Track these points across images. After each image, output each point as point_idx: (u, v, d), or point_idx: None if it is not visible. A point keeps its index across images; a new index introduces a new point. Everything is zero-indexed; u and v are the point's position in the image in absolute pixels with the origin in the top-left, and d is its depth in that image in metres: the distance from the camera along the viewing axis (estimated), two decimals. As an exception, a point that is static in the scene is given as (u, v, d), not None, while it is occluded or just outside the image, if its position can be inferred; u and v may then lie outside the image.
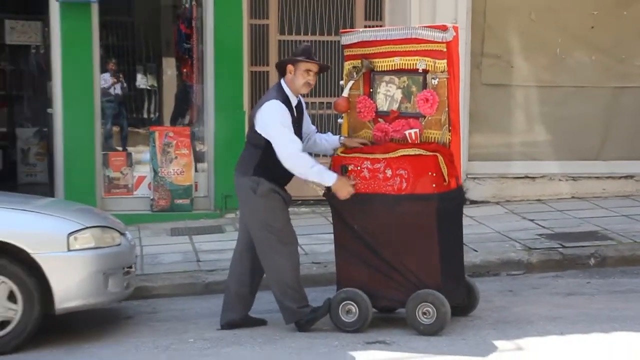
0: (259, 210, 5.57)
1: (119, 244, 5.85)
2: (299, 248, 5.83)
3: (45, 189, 10.25)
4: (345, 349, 5.25)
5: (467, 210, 7.26)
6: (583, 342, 5.26)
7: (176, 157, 9.06)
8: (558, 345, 5.20)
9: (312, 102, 9.12)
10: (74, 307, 5.62)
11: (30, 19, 11.52)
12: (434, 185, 5.39)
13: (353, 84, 5.76)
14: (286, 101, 5.56)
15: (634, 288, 6.59)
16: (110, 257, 5.73)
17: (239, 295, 5.77)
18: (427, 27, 5.64)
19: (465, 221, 6.12)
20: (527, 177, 9.43)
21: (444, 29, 5.53)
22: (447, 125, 5.54)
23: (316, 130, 5.94)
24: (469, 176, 9.19)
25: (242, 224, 5.80)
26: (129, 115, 11.62)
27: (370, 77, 5.76)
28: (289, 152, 5.48)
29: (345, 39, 5.82)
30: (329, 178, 5.50)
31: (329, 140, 5.84)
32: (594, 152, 9.64)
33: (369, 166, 5.52)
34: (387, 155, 5.49)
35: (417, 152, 5.45)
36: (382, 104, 5.75)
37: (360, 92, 5.79)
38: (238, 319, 5.77)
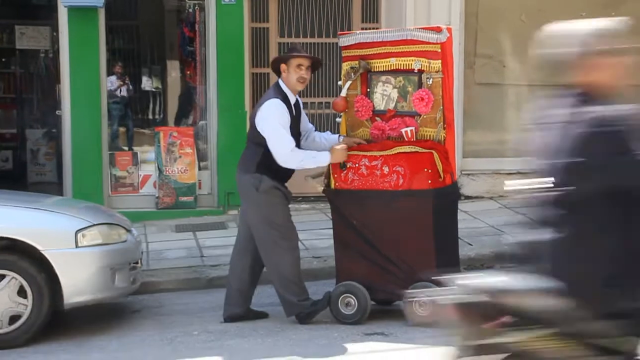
0: (261, 206, 5.62)
1: (125, 241, 5.91)
2: (299, 243, 5.88)
3: (54, 188, 10.34)
4: (344, 341, 5.31)
5: (462, 206, 7.27)
6: (574, 332, 5.37)
7: (180, 156, 9.13)
8: (550, 335, 5.31)
9: (311, 102, 9.20)
10: (83, 301, 5.69)
11: (39, 25, 11.60)
12: (429, 182, 5.47)
13: (351, 84, 5.82)
14: (285, 99, 5.63)
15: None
16: (117, 253, 5.80)
17: (240, 290, 5.83)
18: (421, 28, 5.71)
19: (460, 216, 6.13)
20: (519, 173, 9.49)
21: (438, 30, 5.60)
22: (442, 123, 5.60)
23: (314, 129, 6.00)
24: (463, 172, 9.24)
25: (243, 221, 5.85)
26: (135, 116, 11.67)
27: (367, 77, 5.82)
28: (283, 150, 5.53)
29: (343, 41, 5.89)
30: (323, 157, 5.59)
31: (329, 139, 5.88)
32: (585, 148, 9.74)
33: (367, 163, 5.59)
34: (384, 153, 5.56)
35: (413, 150, 5.52)
36: (379, 103, 5.82)
37: (357, 91, 5.85)
38: (240, 312, 5.84)
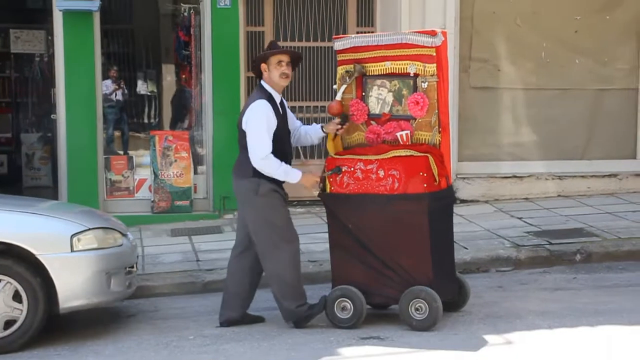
0: (261, 210, 5.62)
1: (121, 245, 5.90)
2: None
3: (49, 192, 10.36)
4: (340, 345, 5.30)
5: (457, 209, 7.31)
6: (570, 335, 5.33)
7: (176, 160, 9.15)
8: (546, 339, 5.26)
9: (306, 106, 9.22)
10: (78, 306, 5.66)
11: (34, 29, 11.62)
12: (425, 185, 5.46)
13: (346, 87, 5.83)
14: (270, 99, 5.63)
15: (618, 283, 6.66)
16: (113, 258, 5.78)
17: (238, 295, 5.83)
18: (416, 32, 5.70)
19: (456, 219, 6.16)
20: (514, 176, 9.49)
21: (433, 34, 5.60)
22: (437, 127, 5.61)
23: (301, 125, 6.01)
24: (458, 176, 9.26)
25: (241, 226, 5.83)
26: (130, 120, 11.69)
27: (362, 81, 5.83)
28: (259, 154, 5.54)
29: (338, 45, 5.89)
30: (294, 176, 5.60)
31: (311, 132, 5.91)
32: (579, 152, 9.74)
33: (362, 167, 5.58)
34: (379, 157, 5.56)
35: (409, 153, 5.52)
36: (374, 107, 5.82)
37: (353, 95, 5.85)
38: (236, 316, 5.83)
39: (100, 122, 9.18)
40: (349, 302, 5.63)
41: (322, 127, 5.93)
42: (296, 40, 9.42)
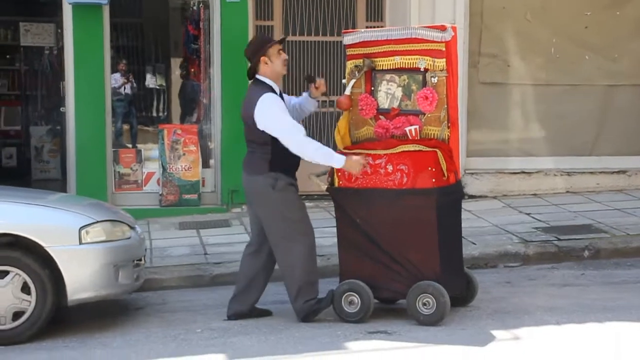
0: (278, 205, 5.59)
1: (129, 238, 5.92)
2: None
3: (58, 184, 10.41)
4: (347, 339, 5.31)
5: (466, 205, 7.29)
6: (578, 331, 5.32)
7: (184, 154, 9.17)
8: (554, 334, 5.26)
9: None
10: (86, 298, 5.69)
11: (44, 22, 11.66)
12: (433, 180, 5.46)
13: (355, 82, 5.82)
14: (272, 91, 5.63)
15: (627, 279, 6.65)
16: (121, 250, 5.80)
17: (248, 289, 5.84)
18: (426, 27, 5.70)
19: (464, 215, 6.15)
20: (523, 172, 9.48)
21: (442, 29, 5.59)
22: (446, 122, 5.61)
23: (293, 100, 6.00)
24: (467, 171, 9.25)
25: (255, 223, 5.81)
26: (139, 114, 11.72)
27: (371, 76, 5.82)
28: (297, 138, 5.51)
29: (348, 39, 5.88)
30: (338, 160, 5.54)
31: (304, 103, 5.90)
32: (588, 148, 9.72)
33: (371, 162, 5.58)
34: (388, 151, 5.56)
35: (417, 148, 5.52)
36: (383, 101, 5.81)
37: (362, 90, 5.85)
38: (245, 310, 5.85)
39: (109, 115, 9.21)
40: (357, 296, 5.64)
41: (308, 94, 5.90)
42: (305, 34, 9.42)
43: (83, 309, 6.00)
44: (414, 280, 5.53)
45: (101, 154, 9.05)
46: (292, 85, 9.29)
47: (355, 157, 5.56)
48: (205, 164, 9.42)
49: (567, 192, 9.47)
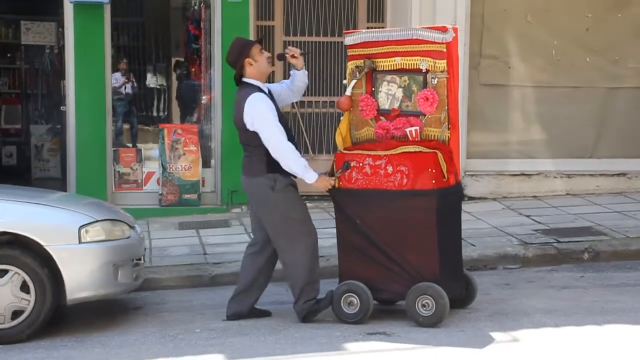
0: (278, 205, 5.60)
1: (129, 237, 5.92)
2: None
3: (57, 183, 10.40)
4: (346, 340, 5.31)
5: (466, 206, 7.30)
6: (577, 333, 5.32)
7: (184, 154, 9.17)
8: (553, 337, 5.27)
9: (315, 101, 9.22)
10: (85, 297, 5.69)
11: (45, 20, 11.67)
12: (433, 182, 5.46)
13: (356, 83, 5.82)
14: (261, 91, 5.64)
15: (626, 282, 6.65)
16: (120, 250, 5.81)
17: (249, 290, 5.84)
18: (427, 28, 5.70)
19: (464, 216, 6.15)
20: (523, 174, 9.48)
21: (443, 30, 5.59)
22: (446, 124, 5.61)
23: (284, 83, 5.98)
24: (467, 173, 9.25)
25: (256, 225, 5.82)
26: (139, 113, 11.72)
27: (372, 77, 5.82)
28: (277, 142, 5.52)
29: (349, 40, 5.88)
30: (311, 175, 5.57)
31: (295, 80, 5.86)
32: (588, 150, 9.71)
33: (371, 163, 5.58)
34: (388, 152, 5.55)
35: (418, 149, 5.52)
36: (384, 102, 5.81)
37: (362, 90, 5.85)
38: (245, 310, 5.85)
39: (109, 114, 9.21)
40: (356, 297, 5.64)
41: (294, 69, 5.88)
42: (306, 35, 9.42)
43: (82, 308, 6.00)
44: (413, 281, 5.53)
45: (101, 153, 9.06)
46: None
47: (324, 178, 5.62)
48: (206, 164, 9.42)
49: (567, 194, 9.47)
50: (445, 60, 5.59)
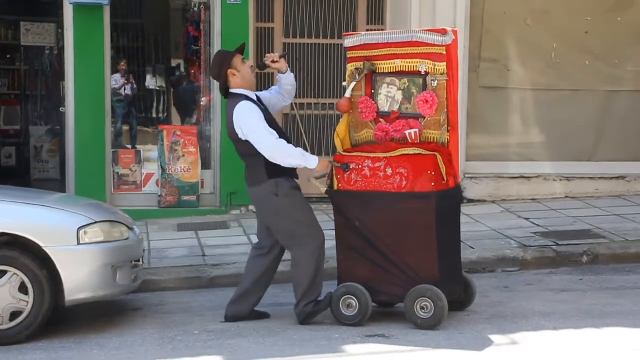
0: (284, 209, 5.60)
1: (127, 238, 5.91)
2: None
3: (57, 184, 10.41)
4: (345, 342, 5.30)
5: (465, 209, 7.28)
6: (575, 336, 5.32)
7: (184, 155, 9.18)
8: (551, 340, 5.26)
9: (315, 103, 9.23)
10: (84, 299, 5.69)
11: (44, 22, 11.67)
12: (432, 184, 5.46)
13: (355, 85, 5.82)
14: (248, 99, 5.63)
15: (625, 285, 6.65)
16: (119, 251, 5.80)
17: (251, 291, 5.84)
18: (427, 30, 5.70)
19: (463, 219, 6.14)
20: (522, 177, 9.49)
21: (443, 32, 5.59)
22: (446, 126, 5.61)
23: (272, 89, 5.99)
24: (466, 176, 9.26)
25: (264, 231, 5.81)
26: (139, 115, 11.72)
27: (372, 79, 5.82)
28: (267, 143, 5.51)
29: (348, 42, 5.88)
30: (313, 161, 5.56)
31: (282, 85, 5.85)
32: (588, 153, 9.72)
33: (370, 165, 5.58)
34: (387, 155, 5.55)
35: (417, 152, 5.52)
36: (383, 104, 5.81)
37: (362, 93, 5.85)
38: (245, 312, 5.84)
39: (108, 116, 9.22)
40: (355, 299, 5.63)
41: (279, 74, 5.88)
42: (306, 37, 9.43)
43: (80, 310, 6.00)
44: (412, 284, 5.52)
45: (100, 154, 9.06)
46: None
47: (325, 160, 5.62)
48: (205, 166, 9.43)
49: (566, 197, 9.48)
50: (444, 63, 5.59)
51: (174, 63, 11.89)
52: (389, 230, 5.56)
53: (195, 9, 9.82)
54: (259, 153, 5.57)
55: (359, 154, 5.68)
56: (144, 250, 6.39)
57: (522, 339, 5.29)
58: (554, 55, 9.59)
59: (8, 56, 13.04)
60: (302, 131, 9.16)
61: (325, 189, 5.77)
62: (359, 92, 5.87)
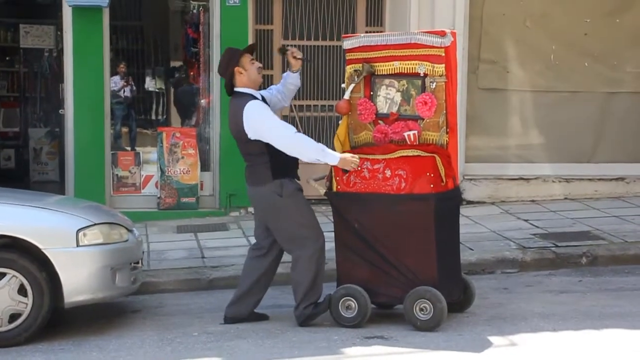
0: (287, 210, 5.60)
1: (127, 240, 5.91)
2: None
3: (56, 187, 10.40)
4: (344, 344, 5.31)
5: (464, 210, 7.31)
6: (574, 338, 5.33)
7: (183, 157, 9.19)
8: (550, 341, 5.27)
9: (314, 105, 9.23)
10: (83, 300, 5.69)
11: (43, 24, 11.69)
12: (431, 186, 5.46)
13: (354, 87, 5.82)
14: (254, 99, 5.64)
15: (624, 286, 6.65)
16: (118, 253, 5.81)
17: (250, 293, 5.83)
18: (426, 32, 5.70)
19: (462, 221, 6.15)
20: (521, 178, 9.49)
21: (442, 34, 5.59)
22: (444, 128, 5.61)
23: (274, 88, 5.99)
24: (465, 177, 9.25)
25: (262, 231, 5.80)
26: (138, 117, 11.74)
27: (370, 81, 5.82)
28: (288, 137, 5.50)
29: (347, 44, 5.88)
30: (333, 158, 5.53)
31: (286, 83, 5.86)
32: (587, 155, 9.72)
33: (369, 166, 5.58)
34: (386, 156, 5.55)
35: (416, 153, 5.52)
36: (382, 106, 5.81)
37: (361, 94, 5.85)
38: (244, 314, 5.84)
39: (108, 118, 9.23)
40: (354, 301, 5.63)
41: (289, 70, 5.88)
42: (305, 39, 9.43)
43: (79, 312, 6.00)
44: (412, 285, 5.53)
45: (100, 156, 9.06)
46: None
47: (348, 155, 5.56)
48: (204, 168, 9.43)
49: (566, 198, 9.48)
50: (443, 65, 5.59)
51: (173, 65, 11.89)
52: (388, 232, 5.56)
53: (194, 11, 9.83)
54: (264, 153, 5.56)
55: (358, 155, 5.66)
56: (143, 252, 6.39)
57: (521, 341, 5.29)
58: (553, 57, 9.59)
59: (7, 58, 13.05)
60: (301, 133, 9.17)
61: (324, 190, 5.77)
62: (357, 94, 5.87)
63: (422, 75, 5.66)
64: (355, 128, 5.90)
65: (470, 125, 9.45)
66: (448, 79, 5.61)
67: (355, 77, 5.83)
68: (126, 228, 6.03)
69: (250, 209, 8.14)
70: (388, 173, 5.55)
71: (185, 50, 10.49)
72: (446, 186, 5.58)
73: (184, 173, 9.19)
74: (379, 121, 5.83)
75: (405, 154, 5.54)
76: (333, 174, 5.72)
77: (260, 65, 5.78)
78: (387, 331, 5.52)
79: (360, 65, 5.81)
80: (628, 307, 6.00)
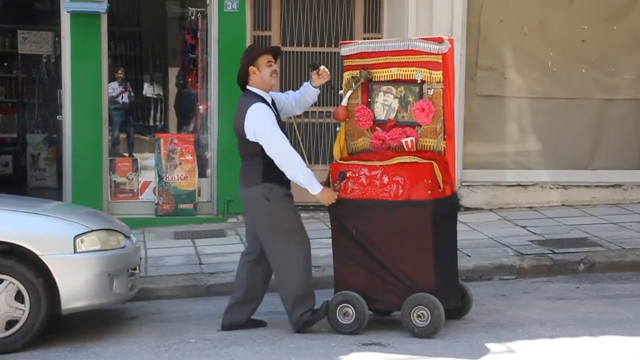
0: (273, 215, 5.60)
1: (124, 247, 5.91)
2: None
3: (53, 193, 10.40)
4: (342, 350, 5.30)
5: (461, 217, 7.31)
6: (572, 345, 5.33)
7: (180, 163, 9.19)
8: (548, 348, 5.27)
9: (312, 111, 9.22)
10: (80, 307, 5.68)
11: (42, 30, 11.71)
12: (429, 192, 5.46)
13: (352, 93, 5.83)
14: (263, 101, 5.64)
15: (621, 293, 6.65)
16: (115, 259, 5.80)
17: (246, 299, 5.83)
18: (423, 39, 5.70)
19: (459, 227, 6.15)
20: (519, 185, 9.50)
21: (440, 41, 5.59)
22: (442, 134, 5.61)
23: (290, 94, 5.98)
24: (463, 184, 9.26)
25: (251, 234, 5.81)
26: (136, 123, 11.76)
27: (368, 87, 5.83)
28: (282, 150, 5.53)
29: (345, 50, 5.90)
30: (315, 188, 5.56)
31: (304, 94, 5.86)
32: (584, 161, 9.73)
33: (367, 173, 5.58)
34: (384, 163, 5.55)
35: (413, 160, 5.52)
36: (380, 113, 5.82)
37: (358, 101, 5.85)
38: (241, 320, 5.84)
39: (105, 124, 9.22)
40: (351, 307, 5.63)
41: (310, 83, 5.88)
42: (303, 45, 9.44)
43: (76, 318, 5.99)
44: (409, 292, 5.52)
45: (97, 162, 9.06)
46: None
47: (330, 191, 5.60)
48: (202, 174, 9.43)
49: (563, 205, 9.49)
50: (441, 71, 5.60)
51: (171, 71, 11.90)
52: (385, 239, 5.56)
53: (193, 17, 9.84)
54: (261, 155, 5.58)
55: (356, 162, 5.69)
56: (140, 259, 6.38)
57: (519, 347, 5.29)
58: (551, 63, 9.61)
59: (5, 64, 13.06)
60: (299, 139, 9.17)
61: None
62: (355, 101, 5.88)
63: (419, 81, 5.66)
64: (353, 134, 5.91)
65: (468, 131, 9.45)
66: (445, 86, 5.61)
67: (353, 83, 5.84)
68: (124, 234, 6.03)
69: (247, 215, 8.14)
70: (385, 179, 5.54)
71: (183, 56, 10.49)
72: (444, 193, 5.58)
73: (181, 179, 9.19)
74: (377, 128, 5.83)
75: (402, 161, 5.54)
76: (331, 180, 5.72)
77: (276, 69, 5.74)
78: (384, 338, 5.52)
79: (358, 71, 5.81)
80: (625, 314, 6.00)
